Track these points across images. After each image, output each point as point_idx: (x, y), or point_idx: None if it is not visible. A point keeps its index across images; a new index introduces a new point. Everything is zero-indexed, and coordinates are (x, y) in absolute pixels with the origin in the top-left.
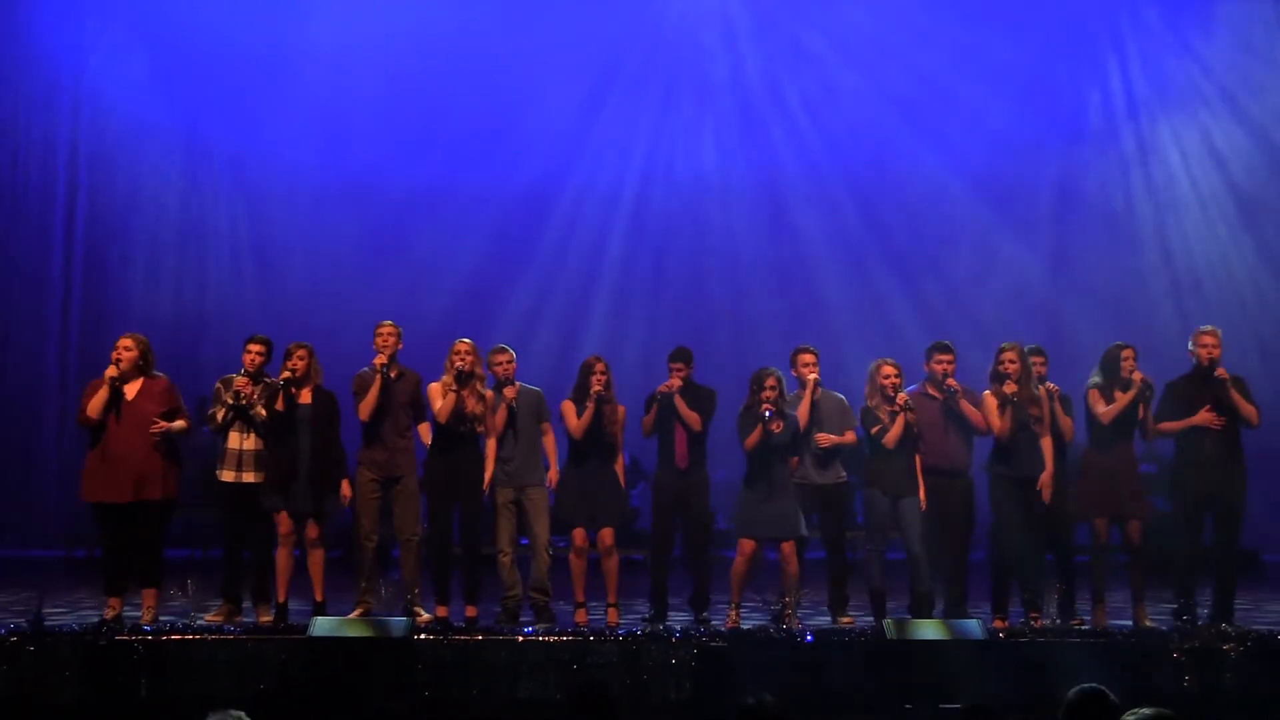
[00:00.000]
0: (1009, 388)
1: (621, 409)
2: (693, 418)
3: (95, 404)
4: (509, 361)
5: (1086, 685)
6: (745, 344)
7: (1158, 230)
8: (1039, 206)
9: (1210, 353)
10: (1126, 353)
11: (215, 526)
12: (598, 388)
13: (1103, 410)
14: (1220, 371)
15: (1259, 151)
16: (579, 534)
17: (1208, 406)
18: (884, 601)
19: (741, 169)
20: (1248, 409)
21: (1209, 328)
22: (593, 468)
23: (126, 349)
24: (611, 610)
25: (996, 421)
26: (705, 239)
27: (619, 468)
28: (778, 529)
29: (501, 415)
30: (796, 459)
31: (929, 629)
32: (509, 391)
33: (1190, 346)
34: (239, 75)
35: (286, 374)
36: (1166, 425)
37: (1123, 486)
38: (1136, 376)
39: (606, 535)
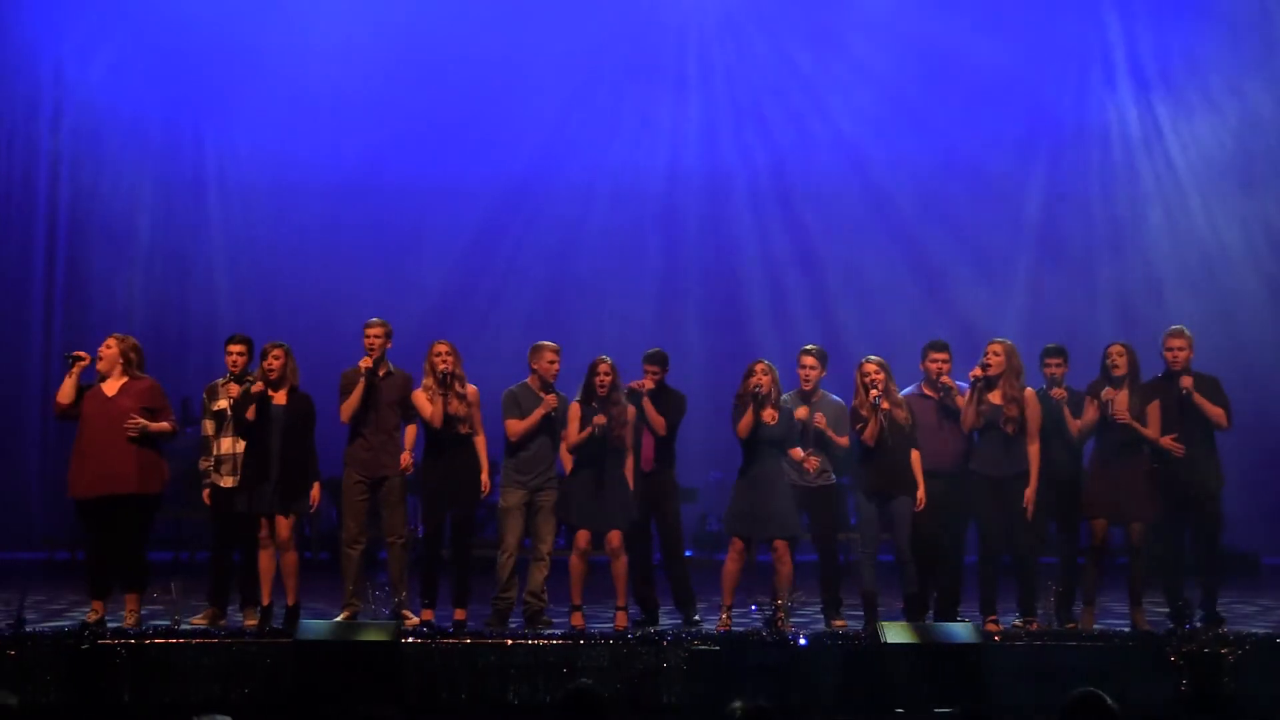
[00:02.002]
0: (974, 372)
1: (631, 409)
2: (659, 421)
3: (64, 389)
4: (558, 361)
5: (1083, 689)
6: (745, 346)
7: (1160, 224)
8: (1040, 203)
9: (1175, 355)
10: (1114, 349)
11: (201, 528)
12: (600, 420)
13: (1071, 424)
14: (1186, 381)
15: (1258, 137)
16: (582, 536)
17: (1173, 435)
18: (876, 604)
19: (738, 166)
20: (1214, 411)
21: (1176, 329)
22: (599, 470)
23: (107, 347)
24: (620, 614)
25: (966, 408)
26: (703, 237)
27: (628, 469)
28: (766, 528)
29: (537, 417)
30: (798, 452)
31: (921, 632)
32: (552, 399)
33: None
34: (224, 70)
35: (259, 374)
36: (1144, 431)
37: (1125, 488)
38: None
39: (614, 537)
